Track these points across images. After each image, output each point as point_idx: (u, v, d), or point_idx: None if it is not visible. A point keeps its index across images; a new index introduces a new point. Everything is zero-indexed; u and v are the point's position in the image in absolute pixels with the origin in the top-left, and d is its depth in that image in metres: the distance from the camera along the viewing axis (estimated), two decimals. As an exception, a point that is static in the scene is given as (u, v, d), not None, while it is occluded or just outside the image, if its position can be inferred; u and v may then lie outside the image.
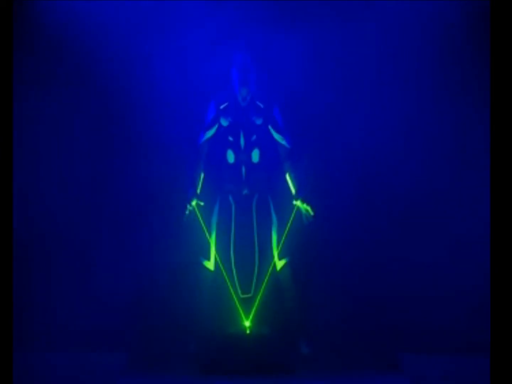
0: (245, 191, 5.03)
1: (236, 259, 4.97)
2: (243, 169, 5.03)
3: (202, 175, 5.09)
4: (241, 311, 4.87)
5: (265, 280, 4.90)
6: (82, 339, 5.09)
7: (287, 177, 5.08)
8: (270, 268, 4.93)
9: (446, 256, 5.32)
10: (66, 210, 5.41)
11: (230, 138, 5.04)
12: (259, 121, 5.06)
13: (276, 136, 5.08)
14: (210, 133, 5.07)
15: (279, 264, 4.99)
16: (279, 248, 4.98)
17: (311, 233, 5.13)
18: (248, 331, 4.85)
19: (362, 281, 5.36)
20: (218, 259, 4.96)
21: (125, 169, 5.44)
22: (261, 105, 5.07)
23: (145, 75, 5.47)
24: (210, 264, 5.00)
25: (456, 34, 5.40)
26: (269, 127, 5.07)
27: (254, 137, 5.04)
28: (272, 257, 4.97)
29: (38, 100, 5.41)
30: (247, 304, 4.90)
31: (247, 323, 4.86)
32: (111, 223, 5.40)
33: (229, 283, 4.91)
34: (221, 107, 5.06)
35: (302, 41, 5.43)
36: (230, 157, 5.05)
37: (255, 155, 5.04)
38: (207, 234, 4.98)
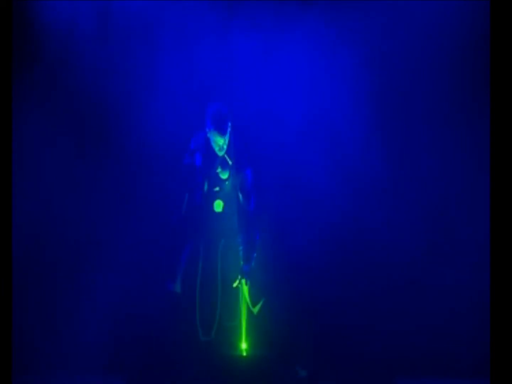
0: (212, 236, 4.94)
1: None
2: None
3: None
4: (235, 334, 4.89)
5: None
6: (81, 362, 5.04)
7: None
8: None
9: (445, 280, 5.32)
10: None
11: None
12: (224, 176, 4.91)
13: (240, 198, 4.92)
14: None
15: (255, 309, 4.87)
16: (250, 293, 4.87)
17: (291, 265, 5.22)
18: (244, 353, 4.86)
19: (359, 305, 5.33)
20: None
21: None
22: (229, 162, 4.87)
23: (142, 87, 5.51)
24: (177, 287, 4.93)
25: (456, 36, 5.37)
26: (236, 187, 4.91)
27: (217, 188, 4.90)
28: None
29: (38, 102, 5.38)
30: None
31: (244, 345, 4.88)
32: (104, 249, 5.36)
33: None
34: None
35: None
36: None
37: (218, 206, 4.87)
38: None
